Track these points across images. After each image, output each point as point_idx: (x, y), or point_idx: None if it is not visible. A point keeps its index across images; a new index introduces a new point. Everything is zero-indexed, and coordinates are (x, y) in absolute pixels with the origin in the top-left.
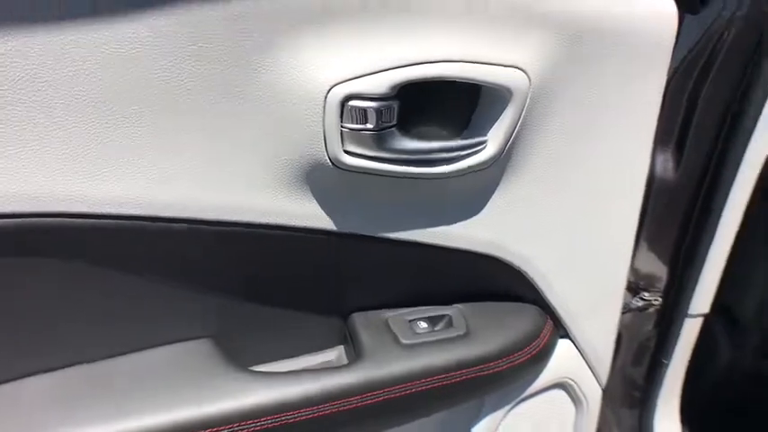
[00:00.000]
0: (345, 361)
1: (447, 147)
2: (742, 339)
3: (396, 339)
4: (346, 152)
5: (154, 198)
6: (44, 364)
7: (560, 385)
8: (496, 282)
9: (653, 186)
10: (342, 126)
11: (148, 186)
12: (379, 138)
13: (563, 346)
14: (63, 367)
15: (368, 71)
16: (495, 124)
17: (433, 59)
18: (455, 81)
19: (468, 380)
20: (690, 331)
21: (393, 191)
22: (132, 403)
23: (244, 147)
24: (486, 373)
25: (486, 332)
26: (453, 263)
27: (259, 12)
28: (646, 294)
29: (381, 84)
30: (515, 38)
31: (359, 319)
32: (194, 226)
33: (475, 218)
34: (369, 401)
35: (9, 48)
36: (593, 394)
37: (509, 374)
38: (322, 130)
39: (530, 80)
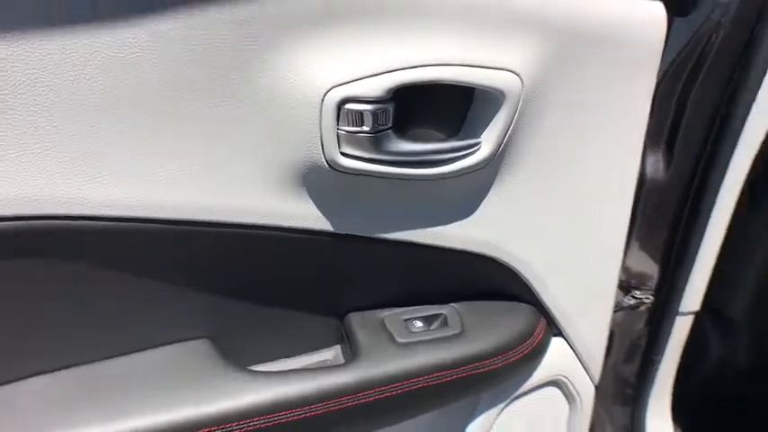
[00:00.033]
0: (342, 360)
1: (442, 148)
2: (732, 337)
3: (392, 338)
4: (343, 154)
5: (153, 200)
6: (43, 365)
7: (554, 383)
8: (491, 281)
9: (644, 187)
10: (338, 129)
11: (148, 189)
12: (376, 140)
13: (556, 344)
14: (62, 369)
15: (364, 75)
16: (489, 126)
17: (428, 63)
18: (449, 84)
19: (464, 378)
20: (681, 329)
21: (389, 192)
22: (132, 404)
23: (242, 150)
24: (481, 371)
25: (481, 331)
26: (448, 263)
27: (262, 16)
28: (637, 293)
29: (377, 87)
30: (508, 41)
31: (355, 318)
32: (193, 228)
33: (470, 218)
34: (366, 400)
35: (10, 53)
36: (586, 391)
37: (504, 372)
38: (319, 132)
39: (522, 83)
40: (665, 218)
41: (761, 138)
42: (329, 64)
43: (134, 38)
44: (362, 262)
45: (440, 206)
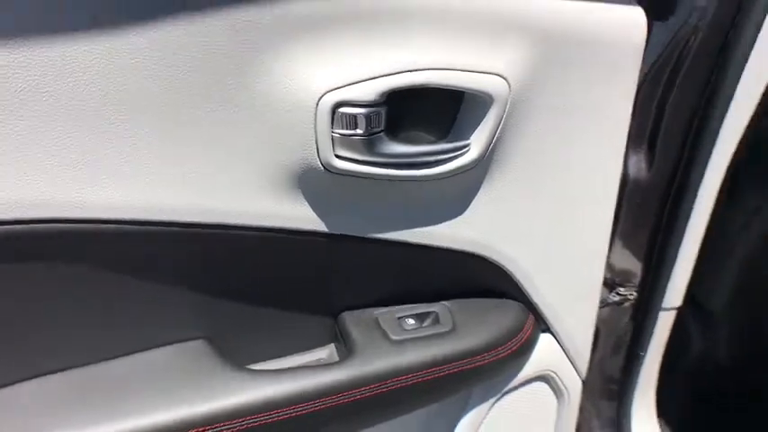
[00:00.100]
0: (336, 358)
1: (433, 150)
2: (713, 330)
3: (385, 336)
4: (337, 157)
5: (152, 203)
6: (42, 367)
7: (542, 378)
8: (481, 279)
9: (626, 187)
10: (333, 132)
11: (147, 192)
12: (369, 142)
13: (544, 340)
14: (61, 370)
15: (357, 79)
16: (478, 128)
17: (419, 68)
18: (439, 87)
19: (455, 373)
20: (664, 324)
21: (382, 193)
22: (131, 404)
23: (239, 153)
24: (471, 366)
25: (472, 327)
26: (439, 261)
27: (259, 23)
28: (621, 289)
29: (370, 91)
30: (496, 46)
31: (349, 317)
32: (192, 230)
33: (460, 218)
34: (361, 396)
35: (12, 59)
36: (573, 386)
37: (494, 367)
38: (314, 135)
39: (509, 86)
40: (647, 217)
41: (738, 137)
42: (324, 69)
43: (134, 44)
44: (356, 262)
45: (431, 206)
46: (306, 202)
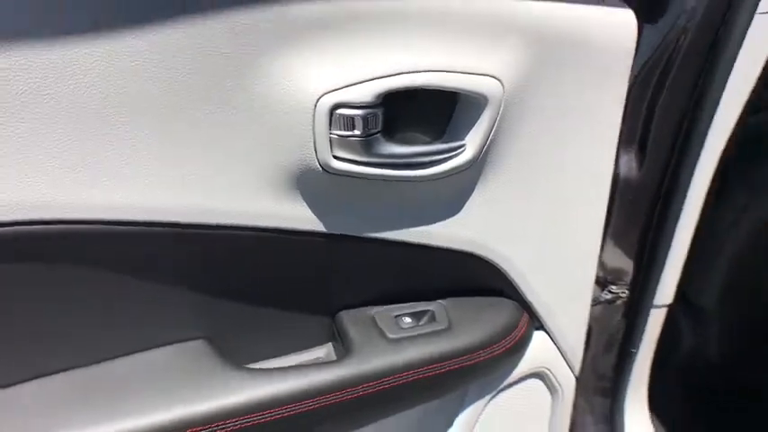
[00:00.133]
0: (334, 357)
1: (428, 151)
2: (703, 326)
3: (382, 334)
4: (335, 157)
5: (152, 204)
6: (43, 368)
7: (537, 375)
8: (476, 278)
9: (618, 187)
10: (331, 133)
11: (147, 193)
12: (366, 143)
13: (538, 337)
14: (62, 371)
15: (355, 81)
16: (473, 129)
17: (415, 69)
18: (435, 89)
19: (451, 371)
20: (655, 321)
21: (380, 193)
22: (132, 404)
23: (239, 154)
24: (467, 363)
25: (467, 325)
26: (436, 261)
27: (257, 27)
28: (613, 288)
29: (367, 93)
30: (490, 48)
31: (346, 316)
32: (192, 231)
33: (455, 217)
34: (359, 394)
35: (13, 62)
36: (567, 383)
37: (489, 365)
38: (312, 137)
39: (503, 88)
40: (638, 216)
41: (726, 137)
42: (321, 71)
43: (134, 47)
44: (354, 261)
45: (427, 206)
46: (304, 203)
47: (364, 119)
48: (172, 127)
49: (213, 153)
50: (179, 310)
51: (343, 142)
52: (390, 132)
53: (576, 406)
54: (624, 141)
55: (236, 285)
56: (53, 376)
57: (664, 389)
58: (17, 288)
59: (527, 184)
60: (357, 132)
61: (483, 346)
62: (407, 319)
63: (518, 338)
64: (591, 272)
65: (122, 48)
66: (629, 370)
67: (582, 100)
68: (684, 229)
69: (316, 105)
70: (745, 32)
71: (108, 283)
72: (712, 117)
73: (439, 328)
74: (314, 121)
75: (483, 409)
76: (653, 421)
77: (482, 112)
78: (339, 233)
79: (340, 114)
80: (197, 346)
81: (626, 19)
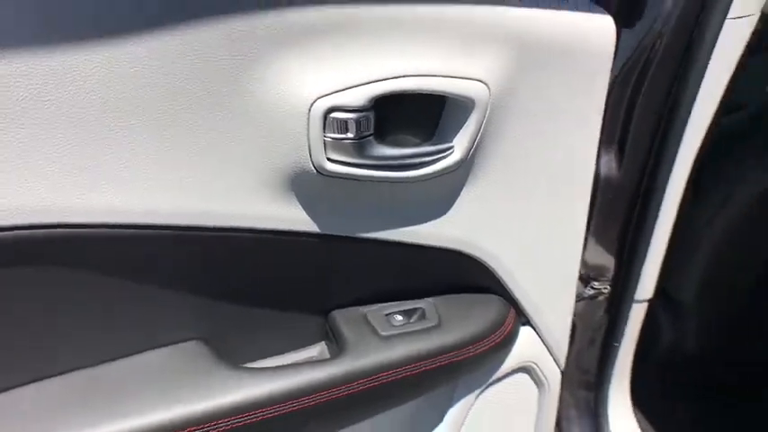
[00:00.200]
0: (328, 355)
1: (418, 152)
2: (682, 320)
3: (375, 332)
4: (329, 160)
5: (151, 207)
6: (42, 371)
7: (524, 369)
8: (465, 276)
9: (599, 186)
10: (325, 136)
11: (146, 197)
12: (359, 146)
13: (525, 332)
14: (61, 373)
15: (347, 85)
16: (461, 131)
17: (405, 74)
18: (424, 93)
19: (442, 366)
20: (637, 315)
21: (372, 194)
22: (131, 405)
23: (235, 158)
24: (457, 359)
25: (456, 322)
26: (426, 259)
27: (253, 33)
28: (596, 284)
29: (360, 97)
30: (477, 53)
31: (339, 315)
32: (190, 233)
33: (444, 217)
34: (353, 391)
35: (14, 69)
36: (553, 376)
37: (478, 360)
38: (307, 140)
39: (490, 91)
40: (618, 214)
41: (702, 136)
42: (315, 76)
43: (133, 54)
44: (348, 261)
45: (418, 206)
46: (299, 205)
47: (357, 122)
48: (170, 131)
49: (210, 157)
50: (178, 311)
51: (337, 145)
52: (382, 135)
53: (561, 399)
54: (604, 142)
55: (234, 286)
56: (51, 379)
57: (646, 381)
58: (17, 292)
59: (513, 184)
60: (350, 135)
61: (472, 341)
62: (399, 317)
63: (506, 334)
64: (574, 268)
65: (122, 54)
66: (613, 363)
67: (564, 102)
68: (663, 225)
69: (310, 109)
70: (717, 36)
71: (107, 285)
72: (688, 117)
73: (429, 325)
74: (308, 124)
75: (472, 404)
76: (636, 413)
77: (469, 114)
78: (333, 233)
79: (334, 118)
80: (193, 346)
81: (605, 24)
